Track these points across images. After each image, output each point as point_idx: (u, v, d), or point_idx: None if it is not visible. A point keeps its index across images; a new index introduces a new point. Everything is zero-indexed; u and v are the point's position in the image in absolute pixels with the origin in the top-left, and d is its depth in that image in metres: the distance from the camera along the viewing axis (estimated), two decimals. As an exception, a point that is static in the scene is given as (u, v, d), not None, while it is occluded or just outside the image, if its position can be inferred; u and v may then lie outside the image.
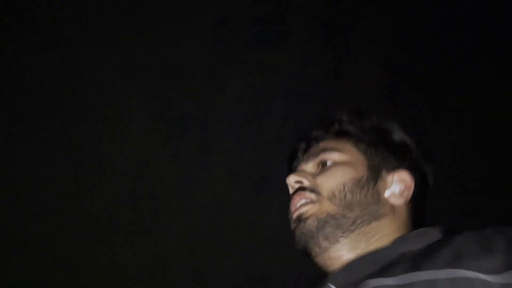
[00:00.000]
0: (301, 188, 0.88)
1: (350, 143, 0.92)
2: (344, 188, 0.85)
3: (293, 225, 0.87)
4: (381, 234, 0.84)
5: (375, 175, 0.88)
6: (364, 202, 0.85)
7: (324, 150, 0.91)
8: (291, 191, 0.91)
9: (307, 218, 0.84)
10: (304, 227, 0.84)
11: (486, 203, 2.11)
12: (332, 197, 0.84)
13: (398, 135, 0.94)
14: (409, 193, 0.89)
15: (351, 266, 0.79)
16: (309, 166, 0.92)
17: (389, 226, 0.85)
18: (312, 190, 0.86)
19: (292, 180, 0.90)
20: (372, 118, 0.95)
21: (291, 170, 0.96)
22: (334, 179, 0.86)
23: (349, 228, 0.83)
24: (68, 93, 2.05)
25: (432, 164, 0.95)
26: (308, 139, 0.96)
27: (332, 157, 0.89)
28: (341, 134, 0.94)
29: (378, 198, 0.86)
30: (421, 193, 0.92)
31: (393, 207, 0.87)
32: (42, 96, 2.02)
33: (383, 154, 0.91)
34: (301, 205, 0.86)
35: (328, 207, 0.84)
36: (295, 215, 0.86)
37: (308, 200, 0.86)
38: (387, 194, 0.88)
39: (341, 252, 0.83)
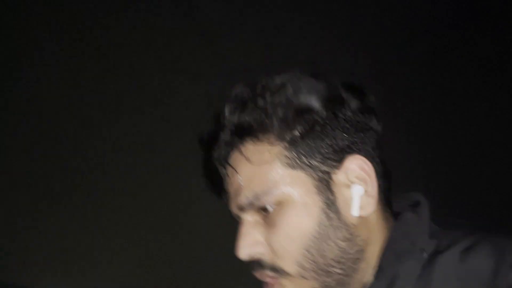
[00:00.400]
0: (259, 264, 0.68)
1: (272, 155, 0.66)
2: (311, 254, 0.65)
3: None
4: (366, 262, 0.68)
5: (328, 194, 0.66)
6: (338, 253, 0.66)
7: (250, 187, 0.67)
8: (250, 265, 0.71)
9: None
10: None
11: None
12: (302, 272, 0.66)
13: (324, 105, 0.66)
14: (374, 185, 0.67)
15: None
16: (248, 216, 0.69)
17: (376, 248, 0.69)
18: (274, 269, 0.67)
19: (245, 256, 0.68)
20: (279, 91, 0.67)
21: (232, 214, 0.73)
22: (291, 243, 0.65)
23: (347, 283, 0.67)
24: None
25: (375, 113, 0.69)
26: (217, 160, 0.71)
27: (271, 199, 0.66)
28: (253, 137, 0.67)
29: (349, 232, 0.66)
30: (382, 168, 0.70)
31: (365, 220, 0.68)
32: None
33: (319, 147, 0.66)
34: (273, 284, 0.68)
35: (305, 286, 0.67)
36: None
37: (276, 281, 0.68)
38: (353, 211, 0.66)
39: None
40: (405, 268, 0.66)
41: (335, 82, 0.68)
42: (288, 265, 0.66)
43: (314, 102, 0.66)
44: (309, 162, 0.65)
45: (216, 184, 0.73)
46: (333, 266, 0.66)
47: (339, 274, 0.66)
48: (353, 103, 0.67)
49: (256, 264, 0.68)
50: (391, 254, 0.68)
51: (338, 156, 0.66)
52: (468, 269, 0.63)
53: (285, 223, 0.66)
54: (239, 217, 0.70)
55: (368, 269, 0.68)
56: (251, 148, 0.67)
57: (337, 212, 0.66)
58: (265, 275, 0.68)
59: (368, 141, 0.68)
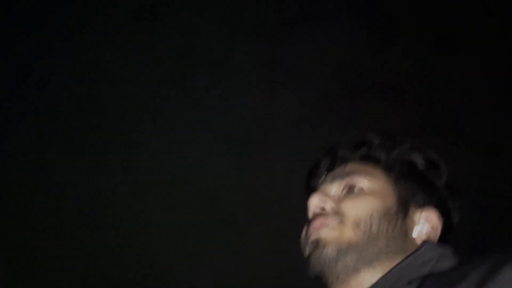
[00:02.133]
0: (323, 213, 0.81)
1: (379, 170, 0.86)
2: (370, 218, 0.79)
3: (308, 249, 0.81)
4: (388, 265, 0.78)
5: (403, 209, 0.83)
6: (390, 236, 0.79)
7: (352, 173, 0.85)
8: (310, 214, 0.84)
9: (325, 245, 0.78)
10: (321, 254, 0.78)
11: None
12: (356, 226, 0.78)
13: (428, 169, 0.88)
14: (436, 234, 0.84)
15: None
16: (334, 188, 0.85)
17: (396, 257, 0.79)
18: (336, 213, 0.80)
19: (315, 202, 0.83)
20: (403, 146, 0.89)
21: (312, 188, 0.89)
22: (360, 207, 0.80)
23: (370, 261, 0.77)
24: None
25: (458, 201, 0.89)
26: (334, 157, 0.90)
27: (361, 182, 0.83)
28: (370, 159, 0.88)
29: (405, 234, 0.81)
30: (446, 233, 0.86)
31: (413, 241, 0.82)
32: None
33: (412, 188, 0.85)
34: (322, 226, 0.79)
35: (350, 236, 0.78)
36: (312, 238, 0.80)
37: (329, 225, 0.79)
38: (414, 233, 0.82)
39: (358, 285, 0.77)
40: None
41: (434, 155, 0.90)
42: (349, 218, 0.79)
43: (420, 164, 0.88)
44: (402, 189, 0.85)
45: (316, 179, 0.90)
46: (380, 239, 0.79)
47: (380, 248, 0.78)
48: (441, 174, 0.88)
49: (319, 213, 0.82)
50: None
51: (421, 202, 0.85)
52: None
53: (362, 197, 0.82)
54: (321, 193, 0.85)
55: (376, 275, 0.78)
56: (370, 167, 0.87)
57: (404, 218, 0.82)
58: (322, 220, 0.80)
59: (441, 205, 0.87)
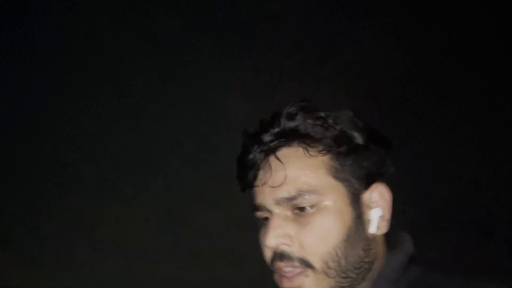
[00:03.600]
0: (285, 256, 0.75)
1: (319, 161, 0.75)
2: (337, 255, 0.74)
3: None
4: (372, 274, 0.78)
5: (357, 207, 0.76)
6: (358, 260, 0.75)
7: (295, 184, 0.74)
8: (268, 252, 0.77)
9: None
10: None
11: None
12: (326, 269, 0.74)
13: (362, 136, 0.78)
14: (389, 211, 0.79)
15: None
16: (281, 209, 0.76)
17: (376, 262, 0.78)
18: (302, 261, 0.74)
19: (273, 244, 0.75)
20: (337, 120, 0.77)
21: (256, 207, 0.79)
22: (323, 243, 0.74)
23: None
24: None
25: (392, 156, 0.82)
26: (262, 148, 0.77)
27: (312, 200, 0.74)
28: (303, 143, 0.76)
29: (367, 243, 0.77)
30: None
31: (376, 238, 0.78)
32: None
33: (356, 170, 0.77)
34: (294, 276, 0.75)
35: (324, 281, 0.74)
36: (286, 286, 0.76)
37: (300, 273, 0.75)
38: (372, 229, 0.77)
39: None
40: None
41: (372, 127, 0.81)
42: (316, 260, 0.73)
43: (358, 135, 0.77)
44: (347, 177, 0.76)
45: (248, 176, 0.78)
46: (351, 270, 0.75)
47: (353, 278, 0.75)
48: (381, 145, 0.80)
49: (282, 256, 0.75)
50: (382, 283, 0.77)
51: (368, 180, 0.77)
52: None
53: (321, 224, 0.74)
54: (268, 211, 0.77)
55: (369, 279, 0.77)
56: (301, 151, 0.75)
57: (362, 224, 0.76)
58: (289, 267, 0.74)
59: (387, 176, 0.80)
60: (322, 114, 0.77)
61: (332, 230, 0.74)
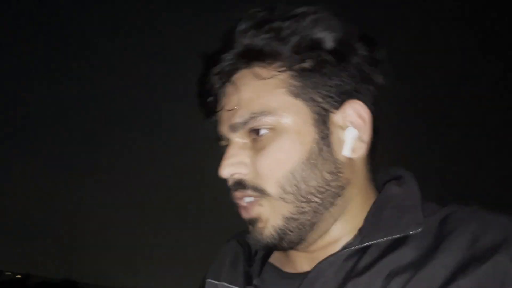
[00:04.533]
0: (240, 185, 0.69)
1: (278, 80, 0.66)
2: (295, 178, 0.66)
3: (248, 225, 0.71)
4: (350, 204, 0.70)
5: (323, 128, 0.67)
6: (322, 184, 0.67)
7: (248, 107, 0.67)
8: (228, 181, 0.71)
9: (262, 226, 0.68)
10: (262, 236, 0.69)
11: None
12: (284, 195, 0.67)
13: (334, 42, 0.66)
14: (368, 132, 0.69)
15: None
16: (238, 136, 0.69)
17: (355, 191, 0.70)
18: (255, 189, 0.68)
19: (227, 174, 0.69)
20: (300, 22, 0.66)
21: (218, 137, 0.72)
22: (278, 166, 0.67)
23: (312, 222, 0.68)
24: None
25: (382, 67, 0.70)
26: (218, 73, 0.70)
27: (267, 121, 0.66)
28: (261, 60, 0.67)
29: (335, 166, 0.68)
30: (378, 120, 0.71)
31: (352, 163, 0.69)
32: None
33: (324, 85, 0.66)
34: (249, 206, 0.69)
35: (281, 208, 0.67)
36: (247, 218, 0.70)
37: (255, 202, 0.68)
38: (344, 151, 0.68)
39: (312, 248, 0.71)
40: (387, 242, 0.66)
41: (352, 28, 0.68)
42: (271, 186, 0.67)
43: (329, 41, 0.66)
44: (312, 96, 0.67)
45: (208, 102, 0.72)
46: (313, 194, 0.67)
47: (317, 203, 0.67)
48: (364, 53, 0.68)
49: (237, 185, 0.69)
50: (375, 223, 0.68)
51: (340, 98, 0.67)
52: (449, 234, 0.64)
53: (276, 147, 0.67)
54: (227, 139, 0.71)
55: (341, 216, 0.70)
56: (257, 70, 0.67)
57: (329, 146, 0.68)
58: (244, 196, 0.69)
59: (369, 93, 0.69)
60: (276, 25, 0.66)
61: (290, 152, 0.67)
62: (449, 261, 0.60)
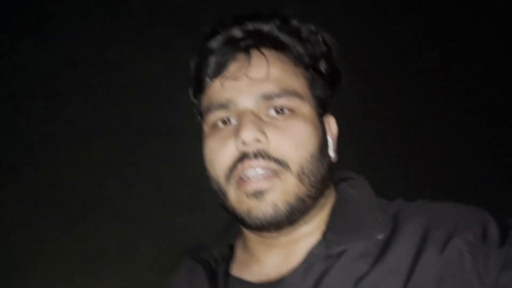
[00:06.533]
0: (263, 154, 0.68)
1: (299, 71, 0.72)
2: (311, 162, 0.69)
3: (248, 200, 0.68)
4: (326, 199, 0.75)
5: (323, 128, 0.75)
6: (324, 175, 0.72)
7: (279, 83, 0.69)
8: (239, 148, 0.68)
9: (272, 199, 0.67)
10: (269, 210, 0.67)
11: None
12: (301, 174, 0.68)
13: (334, 61, 0.76)
14: (335, 143, 0.78)
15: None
16: (260, 107, 0.69)
17: (329, 189, 0.76)
18: (279, 162, 0.68)
19: (251, 138, 0.67)
20: (307, 26, 0.75)
21: (216, 105, 0.71)
22: (301, 147, 0.68)
23: (312, 207, 0.71)
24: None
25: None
26: (232, 41, 0.71)
27: (292, 105, 0.70)
28: (278, 47, 0.72)
29: (329, 167, 0.73)
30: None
31: (331, 165, 0.76)
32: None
33: (324, 92, 0.75)
34: (263, 178, 0.67)
35: (296, 186, 0.68)
36: (253, 188, 0.67)
37: (271, 174, 0.68)
38: (331, 153, 0.76)
39: (300, 235, 0.73)
40: (355, 247, 0.68)
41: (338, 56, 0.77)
42: (293, 164, 0.68)
43: (332, 56, 0.76)
44: (318, 95, 0.74)
45: (210, 65, 0.72)
46: (319, 182, 0.71)
47: (320, 191, 0.72)
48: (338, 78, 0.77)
49: (259, 154, 0.67)
50: (339, 230, 0.71)
51: (324, 108, 0.76)
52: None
53: (300, 128, 0.69)
54: (235, 110, 0.70)
55: (324, 206, 0.74)
56: (282, 55, 0.72)
57: (326, 145, 0.75)
58: (263, 166, 0.67)
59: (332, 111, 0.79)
60: (302, 30, 0.74)
61: (310, 137, 0.70)
62: (409, 244, 0.65)
